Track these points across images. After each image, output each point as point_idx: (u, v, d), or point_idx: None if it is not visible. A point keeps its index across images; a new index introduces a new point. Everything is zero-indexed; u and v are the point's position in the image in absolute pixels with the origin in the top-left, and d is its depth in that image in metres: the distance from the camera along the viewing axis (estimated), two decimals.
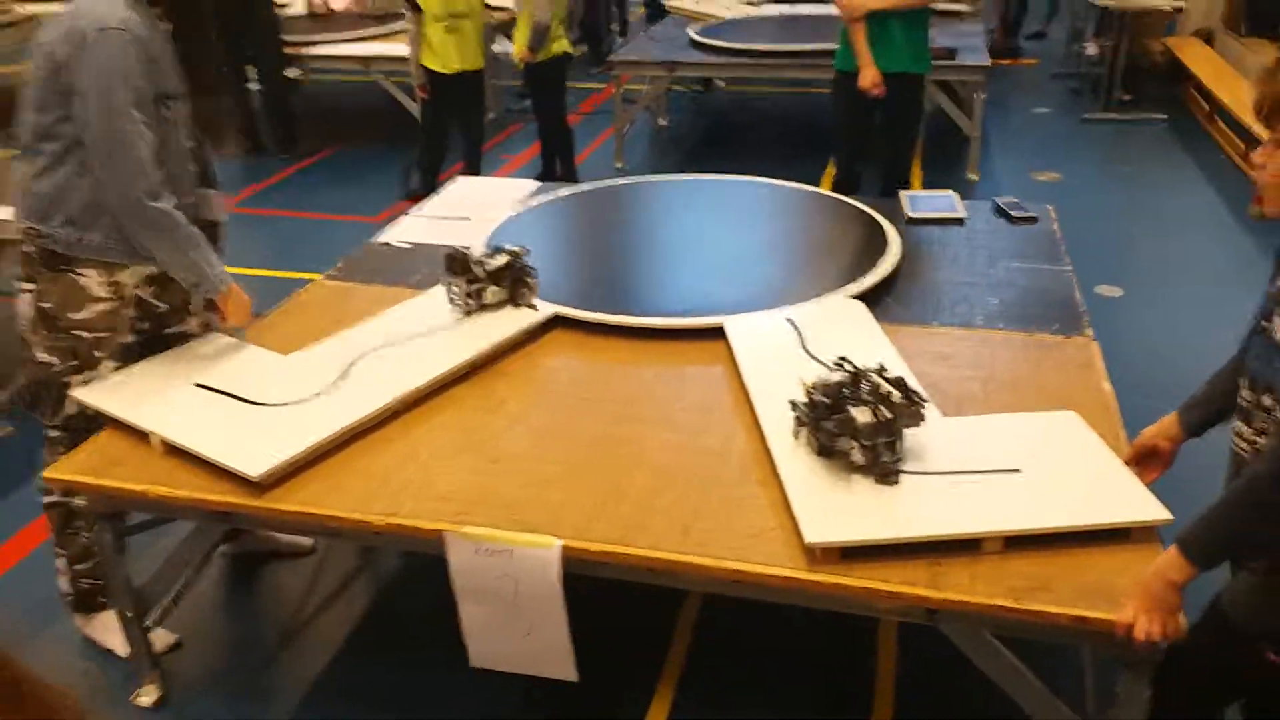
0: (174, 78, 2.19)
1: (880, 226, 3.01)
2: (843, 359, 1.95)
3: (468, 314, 2.48)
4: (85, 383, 2.23)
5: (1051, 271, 2.77)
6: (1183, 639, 1.55)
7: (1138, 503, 1.74)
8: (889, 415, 1.80)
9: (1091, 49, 7.91)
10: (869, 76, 4.13)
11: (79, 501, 2.28)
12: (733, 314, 2.48)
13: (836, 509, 1.75)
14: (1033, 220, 3.12)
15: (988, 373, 2.27)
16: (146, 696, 2.31)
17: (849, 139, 4.45)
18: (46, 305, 2.19)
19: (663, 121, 7.03)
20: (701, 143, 6.74)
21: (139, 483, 1.97)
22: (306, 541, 2.79)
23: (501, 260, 2.49)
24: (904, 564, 1.68)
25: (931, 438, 1.94)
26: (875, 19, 4.10)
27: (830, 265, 2.84)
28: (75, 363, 2.23)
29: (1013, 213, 3.14)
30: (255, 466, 1.91)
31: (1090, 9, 7.76)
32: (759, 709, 2.27)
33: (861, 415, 1.80)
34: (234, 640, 2.54)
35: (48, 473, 2.04)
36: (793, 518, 1.77)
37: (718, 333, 2.44)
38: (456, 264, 2.49)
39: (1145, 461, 1.87)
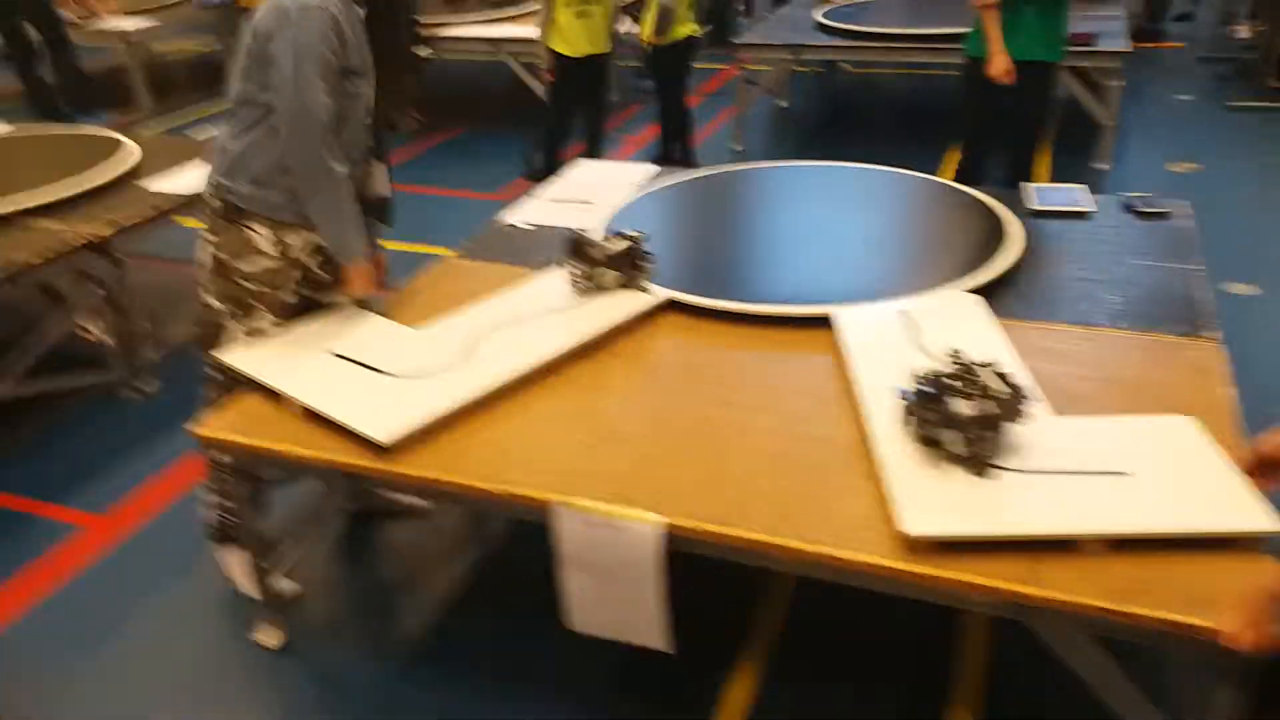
0: (361, 56, 2.40)
1: (1000, 219, 2.97)
2: (956, 351, 1.96)
3: (585, 295, 2.58)
4: (245, 331, 2.46)
5: (1180, 270, 2.69)
6: None
7: (1246, 510, 1.71)
8: (991, 409, 1.82)
9: (1243, 32, 7.49)
10: (999, 64, 4.04)
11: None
12: (843, 304, 2.51)
13: (937, 502, 1.78)
14: (1164, 216, 3.02)
15: (1104, 373, 2.23)
16: (268, 637, 2.51)
17: (975, 127, 4.37)
18: (221, 255, 2.44)
19: (783, 104, 7.00)
20: (821, 125, 6.68)
21: (279, 442, 2.15)
22: (424, 503, 2.96)
23: (620, 245, 2.58)
24: (1001, 559, 1.70)
25: (1040, 436, 1.94)
26: (1009, 4, 4.00)
27: (947, 257, 2.82)
28: (239, 311, 2.46)
29: (1142, 208, 3.05)
30: (384, 432, 2.06)
31: None
32: (842, 696, 2.32)
33: (963, 407, 1.82)
34: (353, 593, 2.73)
35: (200, 430, 2.24)
36: (893, 510, 1.80)
37: (826, 322, 2.47)
38: (576, 248, 2.59)
39: (1268, 471, 1.82)
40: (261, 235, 2.43)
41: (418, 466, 2.05)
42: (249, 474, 2.31)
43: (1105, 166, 5.40)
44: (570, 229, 2.67)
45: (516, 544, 2.88)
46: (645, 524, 1.85)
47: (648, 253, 2.62)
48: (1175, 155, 5.56)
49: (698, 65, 5.71)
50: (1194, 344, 2.33)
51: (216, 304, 2.47)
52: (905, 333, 2.36)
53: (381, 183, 2.65)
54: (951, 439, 1.85)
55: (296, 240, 2.46)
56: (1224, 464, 1.82)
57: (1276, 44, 6.26)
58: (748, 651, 2.43)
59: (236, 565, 2.65)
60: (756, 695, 2.32)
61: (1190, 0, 8.71)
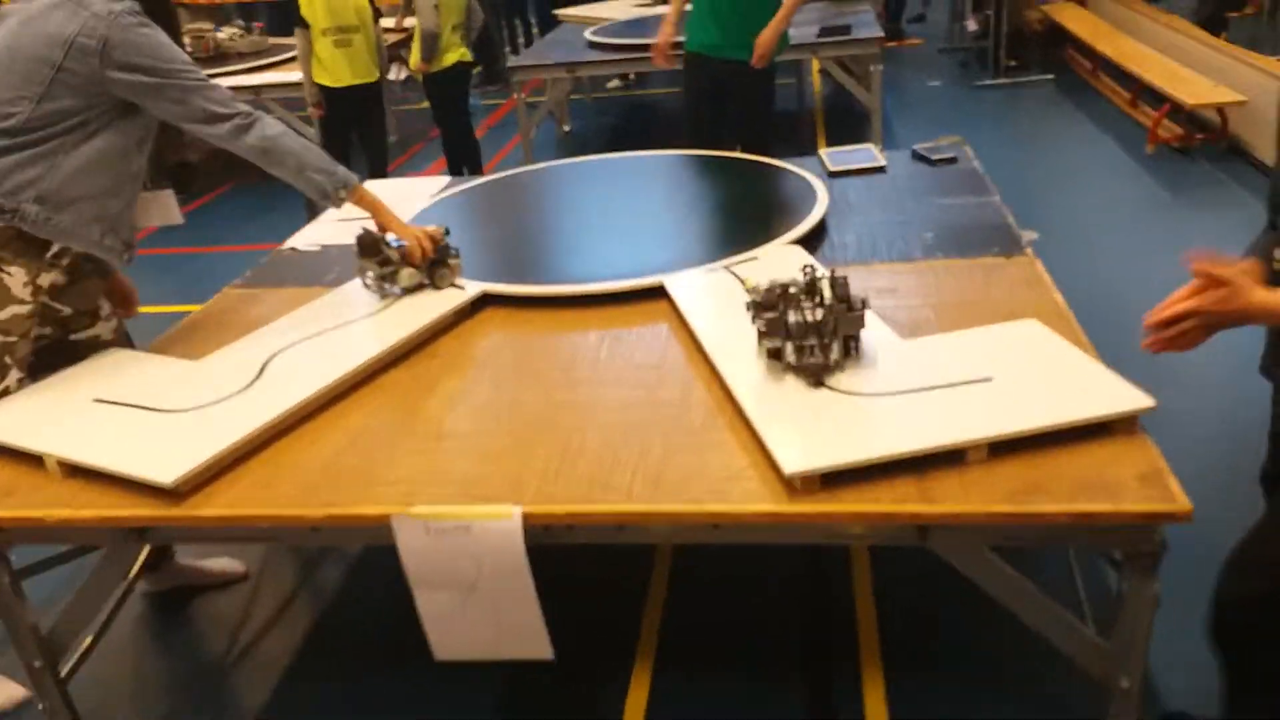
0: None
1: (804, 180, 2.95)
2: (809, 267, 1.89)
3: (384, 299, 2.31)
4: None
5: (980, 203, 2.74)
6: None
7: (1117, 393, 1.67)
8: (824, 316, 1.80)
9: (972, 25, 8.12)
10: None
11: None
12: (670, 273, 2.37)
13: (812, 438, 1.64)
14: (952, 160, 3.10)
15: (938, 299, 2.20)
16: None
17: (691, 125, 4.24)
18: None
19: (566, 128, 6.95)
20: (606, 143, 6.66)
21: (34, 509, 1.76)
22: (239, 566, 2.57)
23: None
24: (890, 484, 1.58)
25: (896, 360, 1.86)
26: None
27: (760, 220, 2.75)
28: None
29: (932, 156, 3.11)
30: (168, 472, 1.72)
31: None
32: (743, 668, 2.14)
33: (792, 315, 1.80)
34: (165, 684, 2.30)
35: None
36: (766, 454, 1.65)
37: (657, 293, 2.33)
38: (366, 245, 2.33)
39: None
40: (13, 275, 2.04)
41: (218, 506, 1.72)
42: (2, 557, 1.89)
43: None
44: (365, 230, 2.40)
45: (358, 587, 2.54)
46: (502, 519, 1.61)
47: (451, 247, 2.39)
48: (938, 132, 5.86)
49: (477, 102, 5.56)
50: (1013, 262, 2.35)
51: None
52: (739, 289, 2.25)
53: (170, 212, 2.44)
54: (787, 349, 1.81)
55: (47, 279, 2.09)
56: (1081, 356, 1.80)
57: (1001, 28, 6.81)
58: (636, 645, 2.21)
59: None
60: (653, 692, 2.10)
61: (921, 2, 9.43)
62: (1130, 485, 1.53)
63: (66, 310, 2.21)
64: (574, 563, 1.70)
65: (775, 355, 1.87)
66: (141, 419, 1.91)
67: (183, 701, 2.23)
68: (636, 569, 2.44)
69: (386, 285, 2.34)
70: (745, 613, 2.31)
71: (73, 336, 2.24)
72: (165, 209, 2.43)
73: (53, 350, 2.21)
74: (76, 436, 1.87)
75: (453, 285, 2.36)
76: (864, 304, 1.84)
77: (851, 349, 1.87)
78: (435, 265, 2.36)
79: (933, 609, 2.25)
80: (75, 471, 1.82)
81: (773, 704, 2.06)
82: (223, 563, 2.55)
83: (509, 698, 2.11)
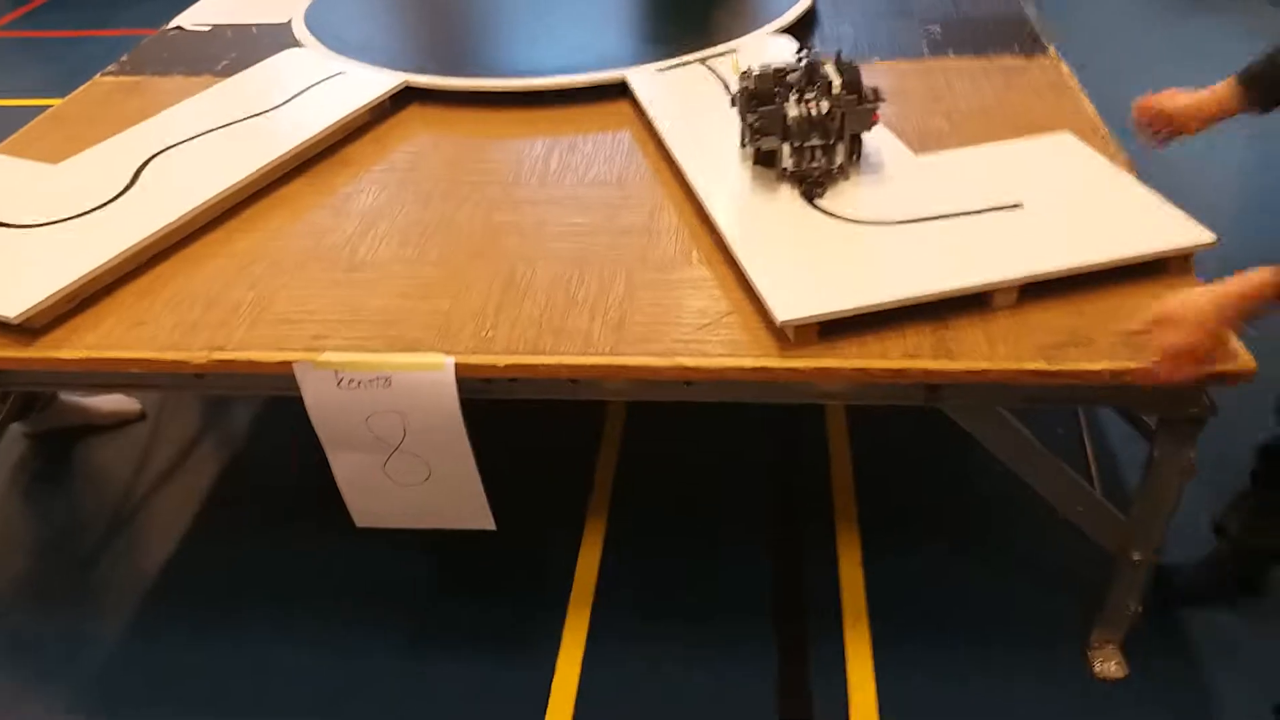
0: None
1: None
2: (805, 47, 1.54)
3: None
4: None
5: None
6: None
7: (1172, 226, 1.40)
8: (824, 110, 1.47)
9: None
10: None
11: None
12: (632, 67, 1.99)
13: (808, 277, 1.35)
14: None
15: (949, 105, 1.87)
16: None
17: None
18: None
19: None
20: None
21: None
22: (133, 405, 2.26)
23: None
24: (900, 333, 1.31)
25: (908, 179, 1.56)
26: None
27: (742, 5, 2.34)
28: None
29: None
30: (13, 305, 1.38)
31: None
32: (704, 531, 1.94)
33: (792, 109, 1.47)
34: (46, 538, 2.02)
35: None
36: (753, 295, 1.37)
37: (618, 91, 1.96)
38: None
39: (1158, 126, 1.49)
40: None
41: (80, 346, 1.40)
42: None
43: None
44: (261, 23, 1.96)
45: (268, 435, 2.25)
46: (431, 369, 1.32)
47: None
48: None
49: None
50: (1034, 63, 2.01)
51: None
52: (717, 88, 1.89)
53: None
54: (784, 151, 1.51)
55: None
56: (1127, 179, 1.51)
57: None
58: (588, 512, 1.98)
59: None
60: (605, 562, 1.88)
61: None
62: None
63: None
64: (508, 410, 1.41)
65: (767, 160, 1.57)
66: None
67: (72, 555, 1.97)
68: (586, 421, 2.17)
69: None
70: (706, 471, 2.08)
71: None
72: None
73: None
74: None
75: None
76: (876, 95, 1.52)
77: (855, 154, 1.56)
78: None
79: (911, 469, 2.03)
80: None
81: (738, 569, 1.86)
82: (114, 401, 2.23)
83: (446, 564, 1.88)
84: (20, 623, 1.83)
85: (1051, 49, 2.06)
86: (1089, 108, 1.82)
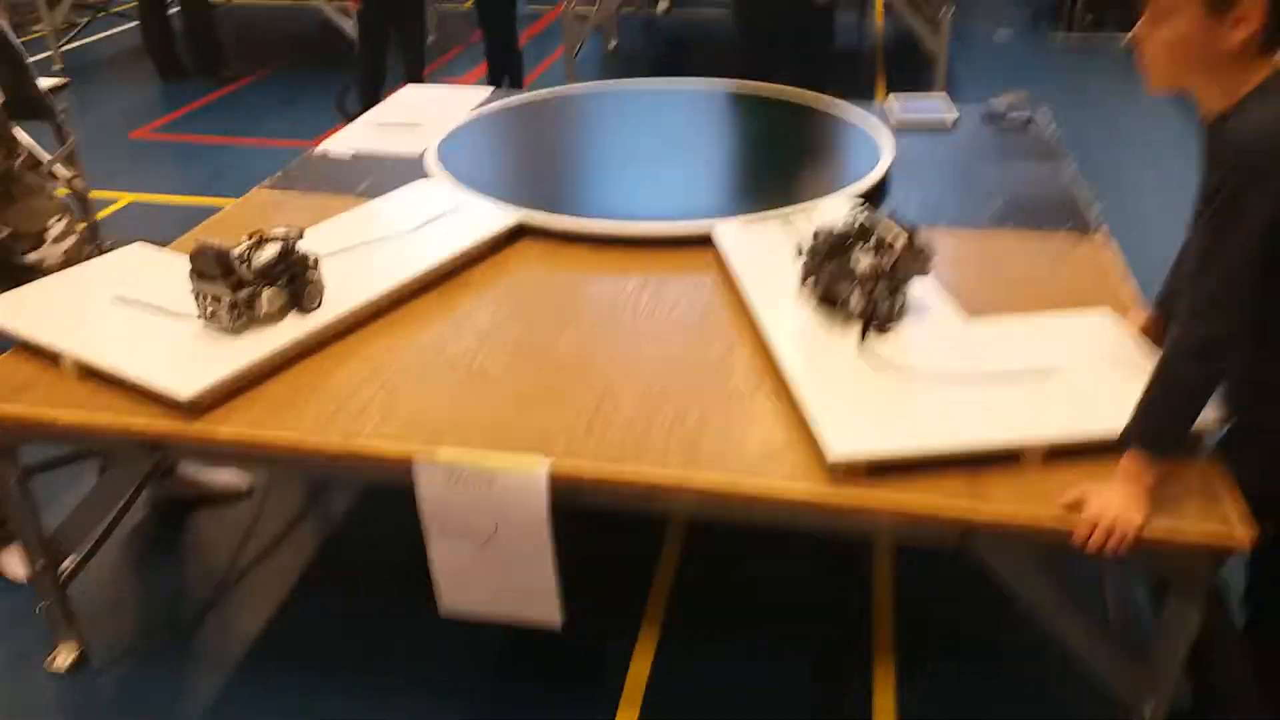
0: None
1: (868, 128, 2.79)
2: (863, 202, 1.78)
3: (235, 330, 1.79)
4: None
5: (1054, 169, 2.59)
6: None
7: None
8: (890, 261, 1.73)
9: None
10: None
11: None
12: (718, 219, 2.25)
13: (860, 419, 1.55)
14: (1028, 122, 2.93)
15: (1004, 275, 2.08)
16: (62, 658, 2.05)
17: (744, 53, 4.11)
18: None
19: (613, 43, 6.70)
20: (652, 65, 6.42)
21: (48, 408, 1.69)
22: (241, 483, 2.52)
23: (270, 253, 1.81)
24: (939, 480, 1.49)
25: (958, 339, 1.75)
26: None
27: (820, 169, 2.61)
28: None
29: (1008, 114, 2.94)
30: (186, 387, 1.65)
31: None
32: (751, 649, 2.09)
33: (863, 260, 1.74)
34: (161, 597, 2.26)
35: None
36: (809, 432, 1.56)
37: (704, 241, 2.21)
38: (212, 265, 1.75)
39: None
40: None
41: (234, 426, 1.65)
42: (8, 453, 1.83)
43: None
44: (401, 152, 2.28)
45: (365, 521, 2.49)
46: (529, 471, 1.54)
47: (309, 257, 1.86)
48: (1003, 84, 5.60)
49: (523, 7, 5.34)
50: (1085, 240, 2.21)
51: None
52: (791, 244, 2.13)
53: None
54: (850, 294, 1.77)
55: None
56: (1152, 356, 1.68)
57: None
58: (644, 620, 2.15)
59: (14, 561, 2.19)
60: (656, 667, 2.04)
61: None
62: (1192, 508, 1.44)
63: (3, 230, 2.11)
64: (582, 523, 1.61)
65: (830, 301, 1.82)
66: (162, 325, 1.83)
67: (178, 616, 2.20)
68: (647, 536, 2.36)
69: (239, 313, 1.78)
70: (757, 593, 2.24)
71: (15, 260, 2.14)
72: None
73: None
74: (95, 337, 1.80)
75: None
76: (929, 249, 1.78)
77: (902, 303, 1.81)
78: (294, 282, 1.85)
79: (952, 608, 2.17)
80: (91, 373, 1.75)
81: (778, 687, 2.00)
82: (226, 476, 2.49)
83: (510, 653, 2.06)
84: (120, 679, 2.04)
85: (1104, 228, 2.26)
86: (1129, 289, 2.01)
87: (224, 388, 1.69)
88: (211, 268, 1.75)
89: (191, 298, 1.81)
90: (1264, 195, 1.31)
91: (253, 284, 1.78)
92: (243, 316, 1.78)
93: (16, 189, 2.14)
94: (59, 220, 2.20)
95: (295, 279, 1.85)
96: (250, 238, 1.81)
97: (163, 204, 4.24)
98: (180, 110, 5.52)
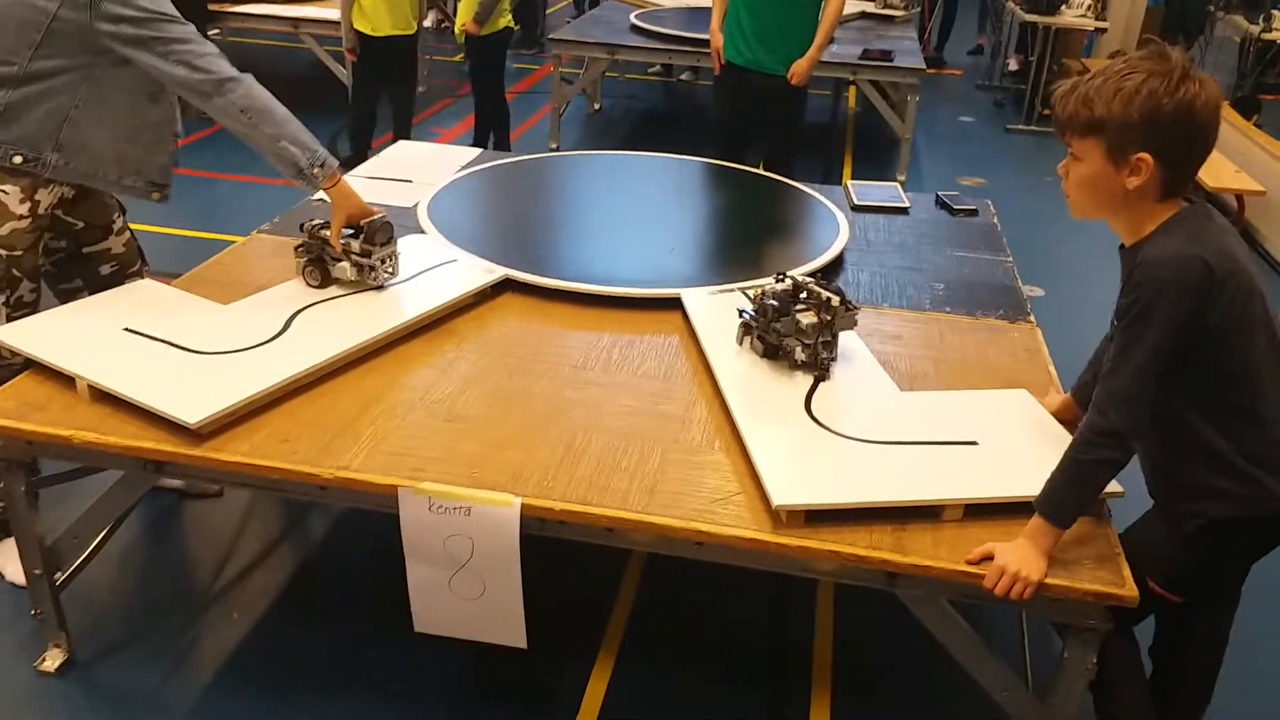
0: None
1: (828, 209, 3.03)
2: (782, 273, 2.16)
3: (380, 287, 2.33)
4: (6, 304, 2.19)
5: (993, 261, 2.83)
6: None
7: None
8: (828, 317, 2.04)
9: (1013, 64, 8.18)
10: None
11: None
12: (687, 287, 2.46)
13: (802, 473, 1.75)
14: (973, 213, 3.19)
15: (938, 353, 2.30)
16: (51, 660, 2.17)
17: (721, 133, 4.32)
18: None
19: (597, 106, 6.99)
20: (635, 129, 6.71)
21: (63, 428, 1.85)
22: (212, 486, 2.70)
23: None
24: (868, 529, 1.69)
25: (892, 410, 1.96)
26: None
27: (780, 245, 2.85)
28: None
29: (955, 205, 3.20)
30: (193, 413, 1.81)
31: (1012, 25, 8.02)
32: (700, 673, 2.26)
33: (806, 317, 2.03)
34: (149, 609, 2.39)
35: None
36: (757, 484, 1.76)
37: (673, 304, 2.42)
38: (387, 232, 2.34)
39: None
40: (9, 194, 2.15)
41: (236, 452, 1.81)
42: (23, 466, 1.97)
43: (902, 178, 5.71)
44: (392, 206, 2.48)
45: (344, 541, 2.64)
46: (502, 506, 1.71)
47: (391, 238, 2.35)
48: (964, 170, 5.96)
49: (510, 65, 5.60)
50: (1016, 327, 2.45)
51: None
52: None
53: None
54: (794, 347, 2.05)
55: (46, 195, 2.21)
56: (1061, 431, 1.90)
57: (1041, 74, 6.87)
58: (602, 645, 2.32)
59: (9, 556, 2.31)
60: (611, 689, 2.21)
61: (976, 32, 9.37)
62: (1086, 564, 1.65)
63: (79, 224, 2.36)
64: (547, 553, 1.78)
65: (772, 354, 2.10)
66: (170, 356, 2.00)
67: (164, 627, 2.33)
68: (607, 568, 2.54)
69: (384, 268, 2.34)
70: (708, 622, 2.42)
71: (85, 249, 2.41)
72: None
73: (70, 261, 2.40)
74: (107, 363, 1.95)
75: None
76: (855, 305, 2.10)
77: (835, 351, 2.10)
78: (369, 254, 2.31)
79: (888, 646, 2.36)
80: (103, 397, 1.91)
81: (725, 709, 2.18)
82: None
83: (474, 672, 2.22)
84: (105, 682, 2.17)
85: (1031, 318, 2.50)
86: (1051, 370, 2.24)
87: (227, 415, 1.85)
88: (385, 234, 2.33)
89: (196, 333, 1.98)
90: (1167, 311, 1.53)
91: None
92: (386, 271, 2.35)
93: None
94: (119, 215, 2.49)
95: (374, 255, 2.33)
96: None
97: (158, 234, 4.39)
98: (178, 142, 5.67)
